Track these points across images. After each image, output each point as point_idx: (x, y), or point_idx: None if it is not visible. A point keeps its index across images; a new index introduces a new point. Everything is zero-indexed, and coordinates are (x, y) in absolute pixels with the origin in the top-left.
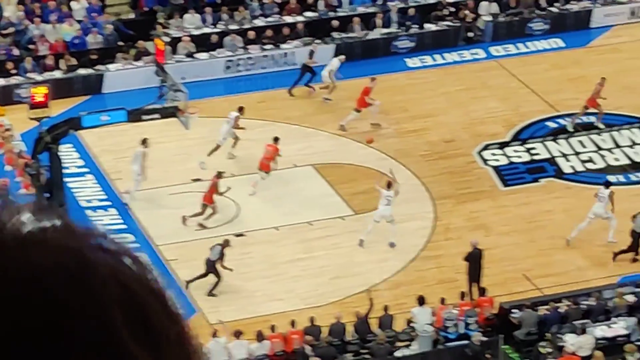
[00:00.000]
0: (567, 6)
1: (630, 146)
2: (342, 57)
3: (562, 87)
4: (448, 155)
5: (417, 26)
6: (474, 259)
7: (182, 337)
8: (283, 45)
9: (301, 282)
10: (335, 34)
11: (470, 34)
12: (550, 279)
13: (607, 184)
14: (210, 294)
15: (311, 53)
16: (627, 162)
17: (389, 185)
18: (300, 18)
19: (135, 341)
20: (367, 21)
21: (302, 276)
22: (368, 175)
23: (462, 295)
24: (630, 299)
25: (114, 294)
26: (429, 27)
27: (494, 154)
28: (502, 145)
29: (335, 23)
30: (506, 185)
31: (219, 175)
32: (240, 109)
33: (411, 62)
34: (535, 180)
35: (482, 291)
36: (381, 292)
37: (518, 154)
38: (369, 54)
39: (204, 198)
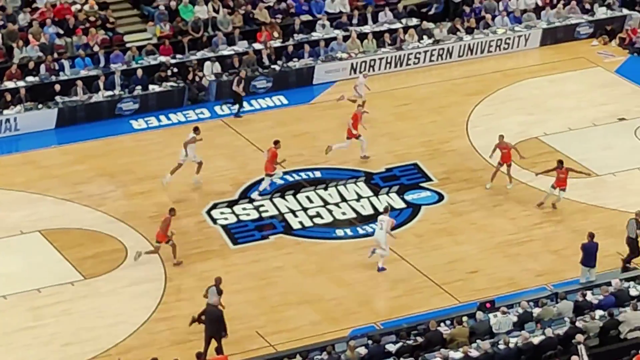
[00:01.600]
0: (290, 64)
1: (357, 200)
2: (366, 72)
3: (287, 143)
4: (177, 216)
5: (140, 87)
6: (214, 318)
7: None
8: (5, 112)
9: (32, 350)
10: (58, 98)
11: (195, 94)
12: (283, 335)
13: None
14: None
15: (240, 80)
16: (354, 215)
17: (385, 210)
18: (21, 83)
19: None
20: (90, 84)
21: (32, 345)
22: (96, 239)
23: (198, 356)
24: (362, 351)
25: None
26: (153, 88)
27: (222, 213)
28: (231, 203)
29: (57, 87)
30: (236, 243)
31: (173, 213)
32: (195, 129)
33: (136, 123)
34: (265, 237)
35: (218, 350)
36: (113, 357)
37: (247, 211)
38: (93, 117)
39: (157, 235)
